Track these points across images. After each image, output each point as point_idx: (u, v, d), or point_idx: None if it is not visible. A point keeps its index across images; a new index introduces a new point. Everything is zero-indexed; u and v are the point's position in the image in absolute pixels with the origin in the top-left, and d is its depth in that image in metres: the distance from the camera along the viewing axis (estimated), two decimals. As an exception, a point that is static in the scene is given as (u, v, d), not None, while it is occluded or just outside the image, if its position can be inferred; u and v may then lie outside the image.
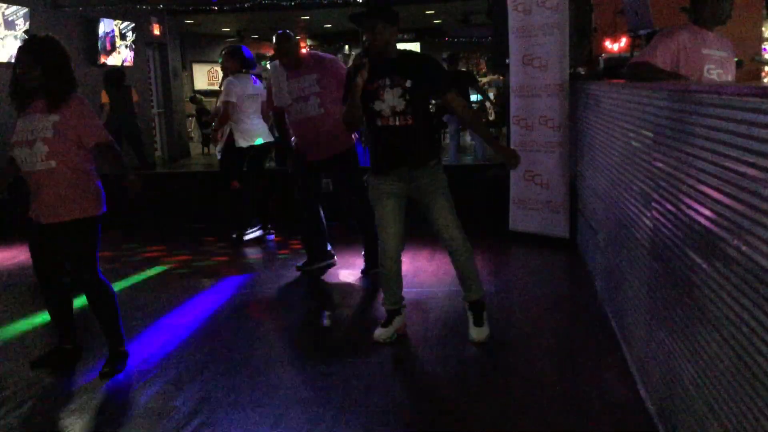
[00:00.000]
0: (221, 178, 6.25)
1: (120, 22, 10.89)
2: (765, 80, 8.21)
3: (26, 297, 4.88)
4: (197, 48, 17.34)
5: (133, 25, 11.25)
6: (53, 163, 3.28)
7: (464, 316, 4.07)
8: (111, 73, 9.14)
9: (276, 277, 5.15)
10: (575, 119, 5.31)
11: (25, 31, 8.40)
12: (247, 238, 6.22)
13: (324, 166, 4.82)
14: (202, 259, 5.77)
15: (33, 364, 3.54)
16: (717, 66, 3.58)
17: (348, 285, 4.86)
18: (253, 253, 5.97)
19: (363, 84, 3.44)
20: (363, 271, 5.00)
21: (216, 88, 15.49)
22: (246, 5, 10.95)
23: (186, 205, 7.08)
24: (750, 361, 1.69)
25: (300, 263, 5.11)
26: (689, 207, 2.20)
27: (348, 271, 5.11)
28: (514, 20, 5.59)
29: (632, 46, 5.18)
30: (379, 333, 3.71)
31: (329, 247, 5.10)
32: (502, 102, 10.97)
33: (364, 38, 3.50)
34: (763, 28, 8.46)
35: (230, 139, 6.04)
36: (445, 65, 9.79)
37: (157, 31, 12.42)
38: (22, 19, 8.56)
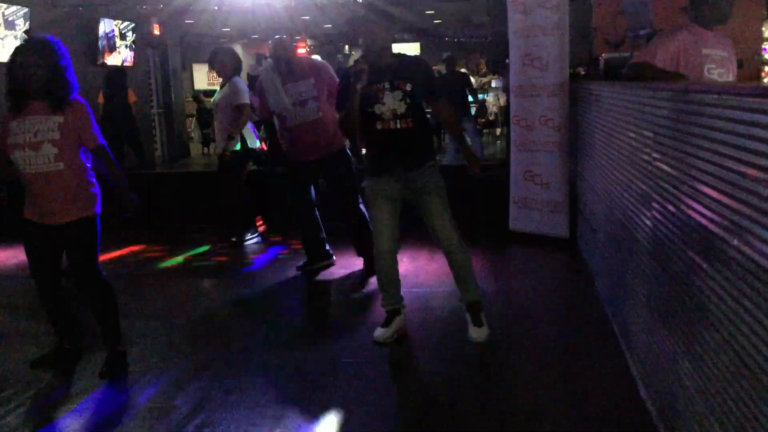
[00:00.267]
0: (232, 179, 6.15)
1: (120, 22, 10.88)
2: (765, 80, 8.21)
3: (26, 297, 4.87)
4: (197, 48, 17.34)
5: (133, 25, 11.24)
6: (61, 165, 3.29)
7: (464, 316, 4.07)
8: (111, 74, 9.11)
9: (276, 277, 5.14)
10: (575, 119, 5.31)
11: (26, 31, 8.40)
12: (248, 242, 6.22)
13: (319, 166, 4.83)
14: (202, 259, 5.77)
15: (33, 364, 3.54)
16: (718, 66, 3.57)
17: (348, 285, 4.86)
18: (253, 253, 5.97)
19: (364, 85, 3.46)
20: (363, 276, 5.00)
21: (216, 88, 15.44)
22: (246, 5, 10.94)
23: (186, 205, 7.08)
24: (750, 361, 1.69)
25: (300, 264, 5.12)
26: (689, 207, 2.20)
27: (348, 271, 5.11)
28: (514, 20, 5.59)
29: (632, 47, 5.18)
30: (379, 333, 3.70)
31: (328, 248, 5.11)
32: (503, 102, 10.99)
33: (360, 42, 3.53)
34: (763, 28, 8.46)
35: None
36: (444, 66, 9.81)
37: (157, 31, 12.41)
38: (22, 19, 8.56)
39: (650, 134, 2.79)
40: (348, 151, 4.97)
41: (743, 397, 1.74)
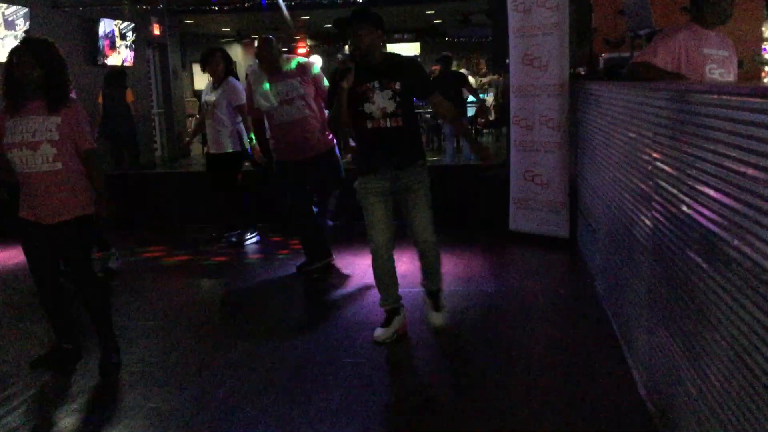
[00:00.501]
0: (233, 179, 6.14)
1: (120, 22, 10.89)
2: (765, 80, 8.21)
3: (26, 297, 4.87)
4: (197, 48, 17.33)
5: (133, 25, 11.25)
6: (59, 165, 3.31)
7: (464, 317, 4.08)
8: (110, 74, 9.08)
9: (276, 277, 5.15)
10: (575, 119, 5.31)
11: (26, 31, 8.40)
12: (248, 242, 6.21)
13: (306, 166, 4.86)
14: (202, 259, 5.77)
15: (33, 364, 3.54)
16: (719, 65, 3.57)
17: (348, 285, 4.85)
18: (253, 253, 5.97)
19: (350, 87, 3.51)
20: (299, 268, 5.11)
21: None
22: (246, 5, 10.95)
23: (186, 205, 7.08)
24: (750, 361, 1.69)
25: (299, 263, 5.12)
26: (689, 207, 2.20)
27: (348, 271, 5.11)
28: (514, 20, 5.59)
29: (632, 47, 5.17)
30: (379, 333, 3.71)
31: (329, 247, 5.12)
32: (503, 102, 10.98)
33: (349, 42, 3.58)
34: (763, 28, 8.46)
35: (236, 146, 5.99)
36: (439, 66, 9.83)
37: (157, 31, 12.42)
38: (22, 19, 8.56)
39: (650, 134, 2.79)
40: (337, 151, 5.00)
41: (743, 396, 1.74)
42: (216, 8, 12.19)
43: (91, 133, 3.47)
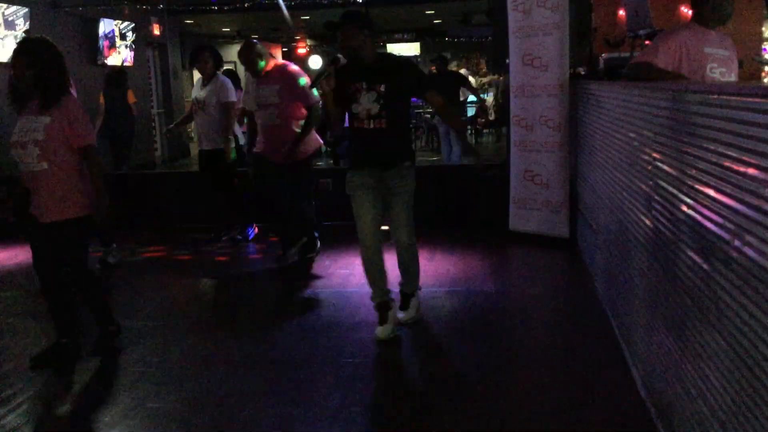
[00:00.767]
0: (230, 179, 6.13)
1: (120, 22, 10.89)
2: (765, 80, 8.22)
3: (26, 297, 4.88)
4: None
5: (133, 25, 11.25)
6: (45, 165, 3.35)
7: (464, 317, 4.08)
8: (111, 74, 9.05)
9: (277, 277, 5.15)
10: (575, 119, 5.31)
11: (25, 31, 8.40)
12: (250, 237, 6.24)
13: (281, 169, 5.03)
14: (203, 259, 5.77)
15: (32, 361, 3.55)
16: (720, 65, 3.57)
17: (348, 284, 4.86)
18: (253, 253, 5.97)
19: (335, 88, 3.59)
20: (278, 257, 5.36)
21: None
22: (246, 5, 10.95)
23: (186, 205, 7.07)
24: (750, 361, 1.69)
25: (281, 255, 5.32)
26: (689, 207, 2.20)
27: (347, 271, 5.11)
28: (514, 20, 5.59)
29: (632, 47, 5.18)
30: (379, 331, 3.72)
31: (316, 234, 5.34)
32: (503, 102, 10.98)
33: (339, 42, 3.66)
34: (763, 28, 8.46)
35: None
36: (436, 66, 9.83)
37: (157, 31, 12.42)
38: (22, 19, 8.57)
39: (650, 134, 2.79)
40: (310, 160, 5.17)
41: (743, 396, 1.74)
42: (216, 8, 12.19)
43: (89, 129, 3.46)
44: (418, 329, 3.89)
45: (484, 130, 13.81)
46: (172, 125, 7.03)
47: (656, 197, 2.67)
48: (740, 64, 3.83)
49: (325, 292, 4.73)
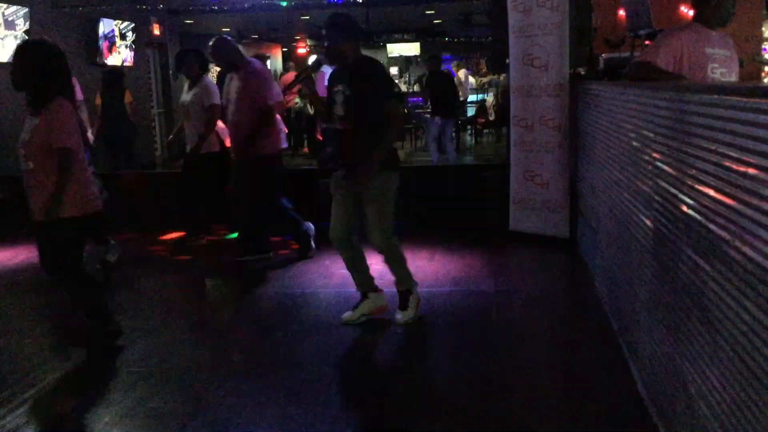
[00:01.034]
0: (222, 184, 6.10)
1: (120, 22, 10.89)
2: (765, 80, 8.22)
3: (26, 297, 4.88)
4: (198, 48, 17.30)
5: (133, 25, 11.25)
6: (31, 165, 3.43)
7: (464, 317, 4.08)
8: (108, 75, 9.03)
9: (277, 277, 5.14)
10: (575, 119, 5.31)
11: (26, 31, 8.40)
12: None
13: (241, 167, 5.20)
14: (202, 259, 5.77)
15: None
16: (720, 65, 3.57)
17: (348, 285, 4.85)
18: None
19: (328, 88, 3.88)
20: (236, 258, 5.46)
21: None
22: (246, 5, 10.95)
23: (186, 205, 7.06)
24: (750, 361, 1.69)
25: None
26: (689, 207, 2.20)
27: (347, 271, 5.10)
28: (514, 20, 5.59)
29: (632, 47, 5.18)
30: (346, 315, 4.00)
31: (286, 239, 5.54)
32: (503, 102, 10.98)
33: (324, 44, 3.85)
34: (763, 28, 8.46)
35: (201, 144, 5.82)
36: (428, 66, 9.87)
37: (157, 31, 12.42)
38: (22, 19, 8.57)
39: (650, 134, 2.79)
40: (266, 162, 5.20)
41: (743, 397, 1.74)
42: (216, 8, 12.18)
43: (69, 132, 3.42)
44: (417, 329, 3.89)
45: (484, 130, 13.81)
46: (171, 136, 6.93)
47: (656, 197, 2.67)
48: (740, 64, 3.83)
49: (325, 292, 4.72)
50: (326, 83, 4.06)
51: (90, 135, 7.83)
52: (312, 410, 2.98)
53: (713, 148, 1.97)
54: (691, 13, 3.80)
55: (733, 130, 1.79)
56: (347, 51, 3.75)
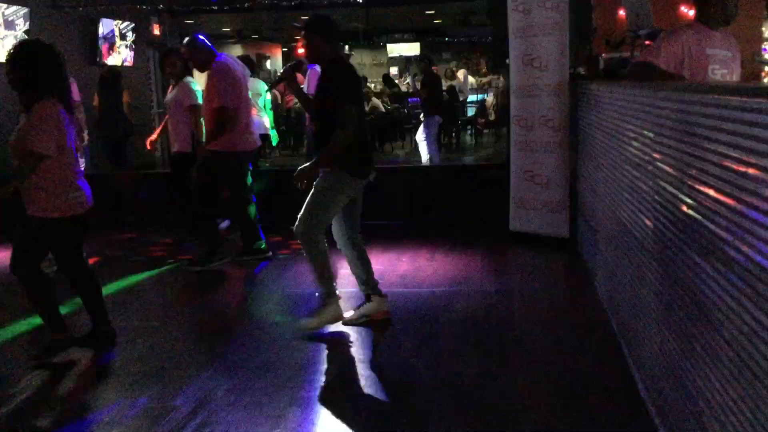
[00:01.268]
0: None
1: (120, 22, 10.88)
2: (765, 80, 8.22)
3: (26, 298, 4.87)
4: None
5: (133, 25, 11.24)
6: (16, 162, 3.46)
7: (464, 316, 4.08)
8: (105, 75, 9.00)
9: (277, 278, 5.14)
10: (575, 119, 5.31)
11: (26, 32, 8.39)
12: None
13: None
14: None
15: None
16: (722, 66, 3.56)
17: (348, 285, 4.85)
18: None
19: (296, 89, 4.13)
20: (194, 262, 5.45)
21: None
22: (246, 5, 10.94)
23: (185, 205, 7.06)
24: (750, 361, 1.69)
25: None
26: (689, 207, 2.20)
27: (347, 271, 5.10)
28: (514, 20, 5.59)
29: (632, 47, 5.18)
30: (347, 315, 3.98)
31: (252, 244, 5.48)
32: (503, 102, 10.97)
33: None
34: (763, 28, 8.46)
35: (186, 146, 5.84)
36: (420, 66, 9.91)
37: (157, 31, 12.41)
38: (22, 19, 8.56)
39: (650, 134, 2.79)
40: (230, 157, 5.22)
41: (743, 397, 1.74)
42: (216, 8, 12.18)
43: (43, 137, 3.38)
44: (418, 329, 3.89)
45: (485, 130, 13.81)
46: (154, 135, 6.86)
47: (656, 197, 2.67)
48: (741, 64, 3.83)
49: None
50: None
51: (85, 135, 7.83)
52: (313, 410, 2.98)
53: (713, 148, 1.96)
54: (691, 12, 3.80)
55: (734, 130, 1.79)
56: (323, 51, 3.84)
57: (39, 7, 8.92)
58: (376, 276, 4.10)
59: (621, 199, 3.45)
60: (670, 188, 2.46)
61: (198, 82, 5.97)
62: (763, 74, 8.27)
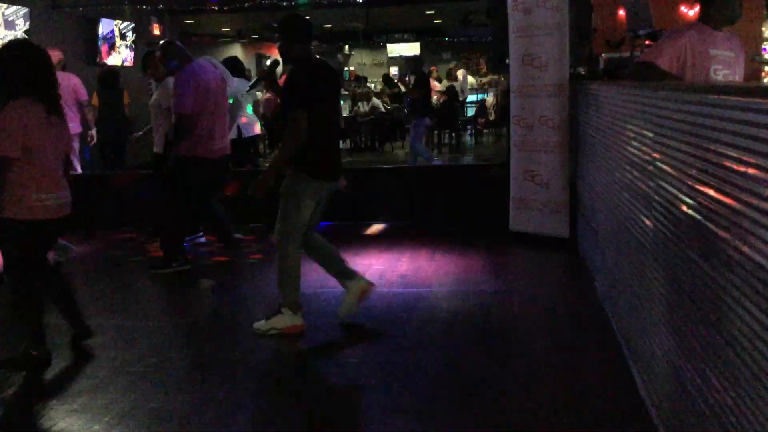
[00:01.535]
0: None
1: (120, 22, 10.89)
2: (765, 80, 8.22)
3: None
4: (197, 48, 17.33)
5: (133, 25, 11.25)
6: None
7: (464, 316, 4.08)
8: (105, 75, 8.98)
9: (276, 277, 5.14)
10: (575, 119, 5.31)
11: (26, 32, 8.40)
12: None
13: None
14: (202, 259, 5.76)
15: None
16: (724, 66, 3.56)
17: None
18: (252, 254, 5.96)
19: (275, 90, 4.13)
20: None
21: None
22: (246, 5, 10.95)
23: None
24: (750, 361, 1.69)
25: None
26: (689, 207, 2.20)
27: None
28: (514, 20, 5.59)
29: (632, 47, 5.19)
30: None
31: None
32: (503, 102, 10.98)
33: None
34: (763, 28, 8.46)
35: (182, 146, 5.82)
36: (411, 68, 9.91)
37: (157, 31, 12.42)
38: (22, 19, 8.57)
39: (650, 134, 2.79)
40: (189, 162, 5.04)
41: (743, 397, 1.74)
42: (216, 8, 12.19)
43: (2, 139, 3.31)
44: (418, 329, 3.89)
45: (485, 130, 13.81)
46: (140, 133, 6.81)
47: (656, 197, 2.67)
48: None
49: (325, 293, 4.72)
50: None
51: (93, 133, 7.83)
52: (313, 410, 2.98)
53: (713, 148, 1.96)
54: (691, 12, 3.80)
55: (734, 130, 1.79)
56: (294, 52, 3.81)
57: (39, 7, 8.93)
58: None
59: (621, 199, 3.44)
60: (670, 188, 2.46)
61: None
62: (763, 74, 8.28)
